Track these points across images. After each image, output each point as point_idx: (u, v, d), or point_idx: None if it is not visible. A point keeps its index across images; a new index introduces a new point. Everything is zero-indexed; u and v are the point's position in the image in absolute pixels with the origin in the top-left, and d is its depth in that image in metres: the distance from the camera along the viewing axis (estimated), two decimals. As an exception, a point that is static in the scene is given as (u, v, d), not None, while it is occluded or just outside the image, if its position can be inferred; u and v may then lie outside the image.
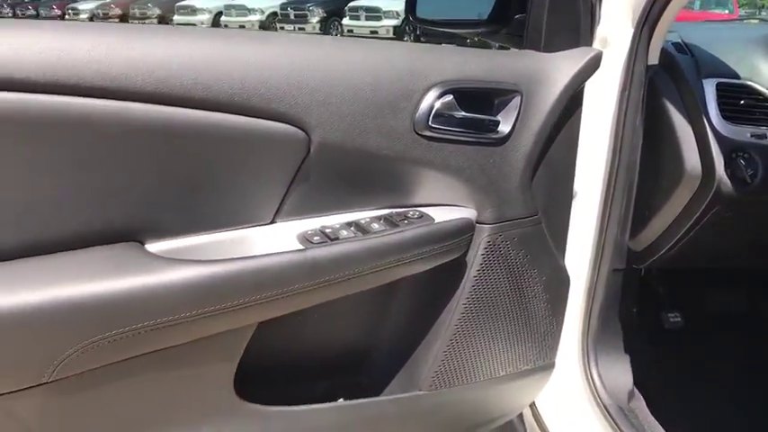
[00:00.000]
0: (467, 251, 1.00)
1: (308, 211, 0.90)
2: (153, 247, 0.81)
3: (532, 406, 1.35)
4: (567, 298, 1.17)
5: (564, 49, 1.02)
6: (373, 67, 0.88)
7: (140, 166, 0.78)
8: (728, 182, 1.07)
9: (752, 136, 1.09)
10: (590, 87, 1.18)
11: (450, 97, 0.91)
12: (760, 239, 1.26)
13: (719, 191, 1.07)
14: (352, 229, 0.89)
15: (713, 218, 1.11)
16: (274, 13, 14.98)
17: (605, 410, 1.20)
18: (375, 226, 0.89)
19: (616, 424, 1.17)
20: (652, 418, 1.26)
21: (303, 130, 0.84)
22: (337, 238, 0.86)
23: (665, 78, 1.14)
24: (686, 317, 1.51)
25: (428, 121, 0.90)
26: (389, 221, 0.91)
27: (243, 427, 0.92)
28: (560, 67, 0.99)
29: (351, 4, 13.55)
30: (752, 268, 1.46)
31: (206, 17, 15.31)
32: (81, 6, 17.44)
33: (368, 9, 12.96)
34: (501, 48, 1.25)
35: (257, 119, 0.81)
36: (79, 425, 0.81)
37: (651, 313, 1.52)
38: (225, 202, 0.84)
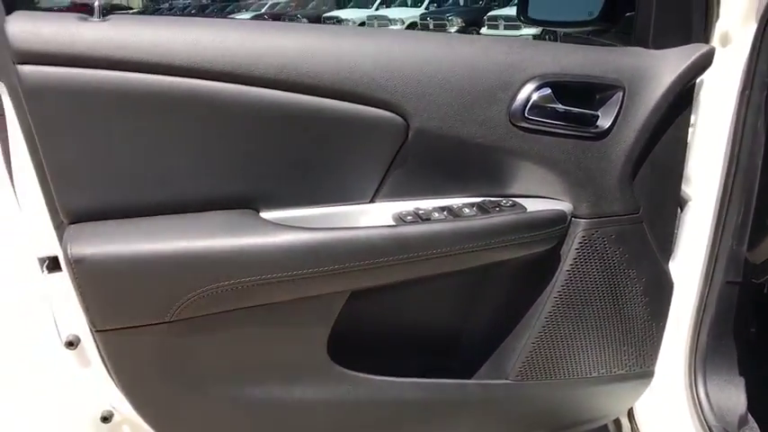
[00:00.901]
0: (561, 244, 1.01)
1: (405, 194, 0.97)
2: (266, 215, 0.92)
3: (631, 416, 1.31)
4: (669, 304, 1.13)
5: (674, 47, 1.01)
6: (471, 59, 0.93)
7: (259, 144, 0.89)
8: None
9: None
10: (708, 87, 1.14)
11: (547, 90, 0.93)
12: None
13: None
14: (444, 213, 0.95)
15: None
16: (414, 24, 15.33)
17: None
18: (466, 211, 0.94)
19: None
20: None
21: (403, 118, 0.91)
22: (429, 219, 0.92)
23: None
24: None
25: (524, 112, 0.93)
26: (482, 208, 0.96)
27: (331, 388, 1.00)
28: (667, 64, 0.98)
29: (490, 13, 13.52)
30: None
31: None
32: (238, 17, 19.00)
33: (507, 18, 12.83)
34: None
35: (362, 105, 0.89)
36: (189, 364, 0.93)
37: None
38: (331, 180, 0.94)
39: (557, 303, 1.04)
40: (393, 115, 0.91)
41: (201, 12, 20.24)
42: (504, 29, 12.90)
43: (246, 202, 0.91)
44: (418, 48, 0.93)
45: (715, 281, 1.16)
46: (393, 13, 15.87)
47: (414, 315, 1.11)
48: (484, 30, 13.48)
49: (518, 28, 12.37)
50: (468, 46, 0.97)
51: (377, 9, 16.68)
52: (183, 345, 0.90)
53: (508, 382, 1.09)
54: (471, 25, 13.99)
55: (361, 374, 1.01)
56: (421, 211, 0.94)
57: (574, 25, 1.22)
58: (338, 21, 16.38)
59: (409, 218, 0.92)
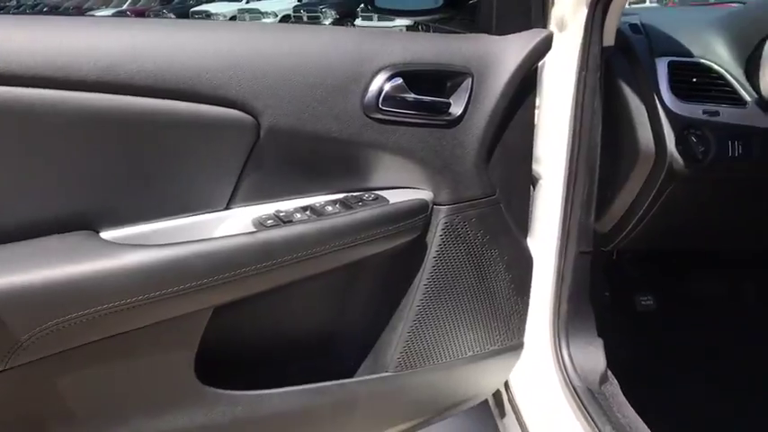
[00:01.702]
0: (425, 233, 1.03)
1: (263, 197, 0.94)
2: (108, 234, 0.84)
3: (507, 386, 1.37)
4: (531, 278, 1.19)
5: (515, 32, 1.05)
6: (320, 51, 0.92)
7: (90, 154, 0.81)
8: (680, 159, 1.08)
9: (704, 113, 1.10)
10: (548, 70, 1.20)
11: (399, 80, 0.94)
12: (718, 219, 1.26)
13: (672, 169, 1.09)
14: (306, 212, 0.93)
15: (669, 197, 1.13)
16: (287, 16, 15.11)
17: (575, 393, 1.21)
18: (329, 209, 0.93)
19: (585, 407, 1.18)
20: (623, 401, 1.27)
21: (252, 116, 0.87)
22: (291, 221, 0.90)
23: (620, 59, 1.15)
24: (659, 300, 1.52)
25: (378, 104, 0.93)
26: (344, 204, 0.95)
27: (206, 412, 0.94)
28: (510, 49, 1.02)
29: (363, 5, 13.58)
30: (726, 250, 1.47)
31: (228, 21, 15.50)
32: (98, 14, 17.77)
33: (380, 9, 12.98)
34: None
35: (206, 105, 0.84)
36: (38, 413, 0.83)
37: (624, 296, 1.53)
38: (177, 189, 0.88)
39: (427, 291, 1.06)
40: (241, 114, 0.87)
41: (54, 10, 18.67)
42: (379, 20, 13.06)
43: (83, 222, 0.83)
44: (265, 41, 0.90)
45: (569, 252, 1.23)
46: (265, 5, 15.54)
47: (287, 321, 1.08)
48: (358, 21, 13.58)
49: (392, 19, 12.59)
50: (317, 38, 0.95)
51: (248, 2, 16.24)
52: (27, 393, 0.80)
53: (388, 374, 1.10)
54: (346, 17, 14.04)
55: (237, 392, 0.97)
56: (282, 214, 0.91)
57: (420, 14, 1.24)
58: (207, 15, 15.78)
59: (270, 222, 0.90)
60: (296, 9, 15.07)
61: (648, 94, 1.11)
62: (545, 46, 1.03)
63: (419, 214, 0.99)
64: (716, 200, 1.20)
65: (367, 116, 0.94)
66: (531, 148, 1.13)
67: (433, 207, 1.02)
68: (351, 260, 0.97)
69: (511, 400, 1.36)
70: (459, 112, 0.98)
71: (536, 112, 1.19)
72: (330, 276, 1.02)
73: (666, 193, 1.12)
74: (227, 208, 0.92)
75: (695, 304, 1.61)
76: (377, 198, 0.97)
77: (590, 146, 1.18)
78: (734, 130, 1.10)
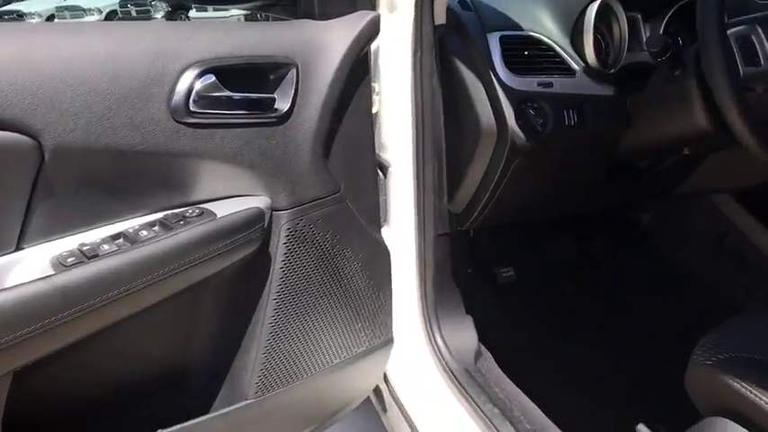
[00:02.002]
0: (267, 242, 0.93)
1: (63, 230, 0.78)
2: None
3: (386, 379, 1.33)
4: (390, 270, 1.14)
5: (340, 16, 0.97)
6: (112, 51, 0.77)
7: None
8: (521, 133, 1.07)
9: (539, 85, 1.09)
10: (383, 54, 1.14)
11: (211, 77, 0.82)
12: (562, 188, 1.29)
13: (514, 144, 1.08)
14: (117, 241, 0.78)
15: (516, 171, 1.12)
16: (114, 12, 13.96)
17: (452, 375, 1.19)
18: (144, 233, 0.79)
19: (463, 387, 1.17)
20: (500, 374, 1.27)
21: (29, 136, 0.71)
22: (97, 256, 0.75)
23: (453, 37, 1.12)
24: (518, 270, 1.55)
25: (188, 106, 0.80)
26: (164, 225, 0.82)
27: None
28: (336, 35, 0.93)
29: (192, -6, 12.90)
30: (576, 215, 1.52)
31: (35, 21, 13.96)
32: None
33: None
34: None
35: None
36: None
37: (486, 271, 1.54)
38: None
39: (279, 305, 0.96)
40: (16, 135, 0.71)
41: None
42: (214, 10, 12.47)
43: None
44: (38, 45, 0.74)
45: (427, 236, 1.21)
46: (88, 1, 14.20)
47: (121, 365, 0.93)
48: (192, 12, 12.87)
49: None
50: (107, 37, 0.80)
51: (66, -1, 14.76)
52: None
53: (249, 401, 0.99)
54: (178, 9, 13.25)
55: None
56: (86, 248, 0.76)
57: (239, 1, 1.13)
58: (19, 16, 14.13)
59: (71, 260, 0.74)
60: (122, 4, 13.93)
61: (484, 70, 1.08)
62: (373, 29, 0.96)
63: (255, 224, 0.88)
64: (558, 169, 1.22)
65: (177, 121, 0.81)
66: (373, 136, 1.06)
67: (271, 214, 0.91)
68: (179, 288, 0.84)
69: (392, 393, 1.32)
70: (287, 106, 0.88)
71: (375, 98, 1.13)
72: (163, 308, 0.89)
73: (513, 167, 1.11)
74: (17, 249, 0.76)
75: (551, 269, 1.66)
76: (202, 213, 0.85)
77: (434, 128, 1.14)
78: (567, 100, 1.11)
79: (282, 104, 0.88)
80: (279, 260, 0.94)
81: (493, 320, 1.41)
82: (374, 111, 1.13)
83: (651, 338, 1.47)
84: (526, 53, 1.11)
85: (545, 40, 1.14)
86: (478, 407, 1.13)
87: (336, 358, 1.10)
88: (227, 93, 0.83)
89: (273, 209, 0.91)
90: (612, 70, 1.18)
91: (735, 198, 1.51)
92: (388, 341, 1.20)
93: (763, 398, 0.82)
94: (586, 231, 1.74)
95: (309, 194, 0.94)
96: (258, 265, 0.93)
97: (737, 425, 0.84)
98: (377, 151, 1.17)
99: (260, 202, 0.90)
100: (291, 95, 0.89)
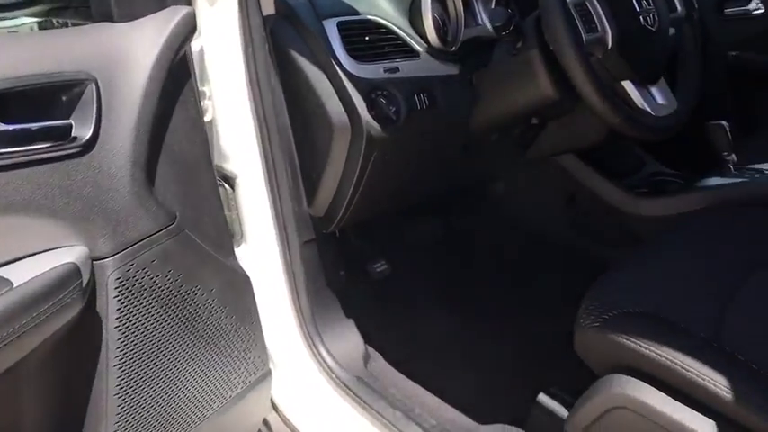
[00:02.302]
0: (93, 301, 0.76)
1: None
2: None
3: (276, 409, 1.21)
4: (253, 297, 1.02)
5: (146, 15, 0.80)
6: None
7: None
8: (376, 124, 0.99)
9: (385, 71, 1.01)
10: (209, 53, 0.99)
11: None
12: (422, 172, 1.24)
13: (371, 136, 0.99)
14: None
15: (376, 163, 1.04)
16: None
17: (344, 386, 1.12)
18: None
19: (359, 396, 1.10)
20: (393, 373, 1.22)
21: None
22: None
23: (286, 27, 1.00)
24: (391, 262, 1.49)
25: None
26: None
27: None
28: (141, 38, 0.77)
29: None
30: (436, 199, 1.48)
31: None
32: None
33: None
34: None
35: None
36: None
37: (359, 269, 1.46)
38: None
39: (123, 371, 0.80)
40: None
41: None
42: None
43: None
44: None
45: (293, 247, 1.10)
46: None
47: None
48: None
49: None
50: None
51: None
52: None
53: None
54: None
55: None
56: None
57: (14, 7, 0.92)
58: None
59: None
60: None
61: (326, 61, 0.98)
62: (187, 26, 0.81)
63: (70, 283, 0.70)
64: (417, 154, 1.16)
65: None
66: (208, 148, 0.92)
67: (92, 265, 0.74)
68: None
69: (284, 421, 1.21)
70: (89, 133, 0.71)
71: (207, 104, 0.98)
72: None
73: (372, 160, 1.03)
74: None
75: (422, 254, 1.62)
76: None
77: (280, 129, 1.02)
78: (416, 84, 1.04)
79: (82, 131, 0.71)
80: (112, 318, 0.77)
81: (375, 319, 1.34)
82: (208, 118, 0.98)
83: (531, 305, 1.48)
84: (367, 38, 1.02)
85: (384, 22, 1.06)
86: (379, 413, 1.06)
87: (209, 410, 0.96)
88: (3, 125, 0.65)
89: (93, 258, 0.75)
90: (453, 48, 1.13)
91: (579, 158, 1.55)
92: (267, 373, 1.09)
93: (653, 348, 0.84)
94: (449, 210, 1.72)
95: (137, 233, 0.78)
96: (88, 330, 0.76)
97: (633, 378, 0.85)
98: (218, 163, 1.03)
99: (73, 254, 0.72)
100: (93, 118, 0.72)
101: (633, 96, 0.97)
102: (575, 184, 1.57)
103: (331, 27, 0.99)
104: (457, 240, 1.71)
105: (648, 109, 0.98)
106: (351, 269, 1.35)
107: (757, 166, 1.39)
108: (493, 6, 1.19)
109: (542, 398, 1.04)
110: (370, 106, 0.98)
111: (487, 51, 1.13)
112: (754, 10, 1.98)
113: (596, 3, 0.98)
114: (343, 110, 0.99)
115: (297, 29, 1.00)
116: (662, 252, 1.07)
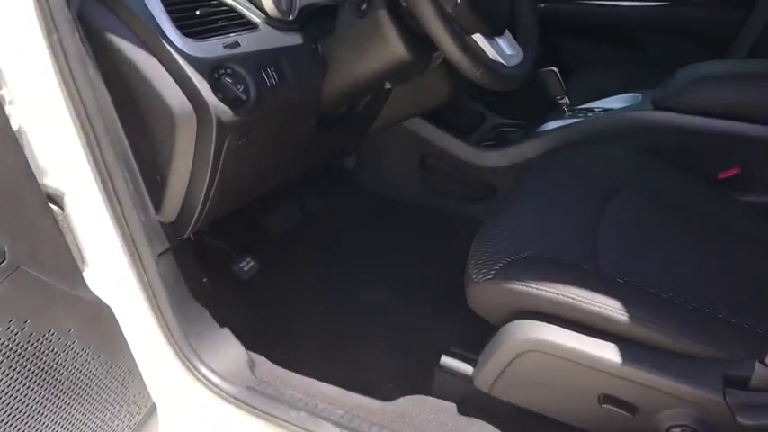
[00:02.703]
0: None
1: None
2: None
3: None
4: (118, 326, 0.87)
5: None
6: None
7: None
8: (225, 107, 0.88)
9: (225, 47, 0.90)
10: (2, 49, 0.81)
11: None
12: (279, 154, 1.15)
13: (221, 121, 0.88)
14: None
15: (230, 151, 0.93)
16: None
17: (237, 401, 1.02)
18: None
19: (254, 407, 1.01)
20: (284, 373, 1.14)
21: None
22: None
23: (97, 8, 0.84)
24: (258, 258, 1.39)
25: None
26: None
27: None
28: None
29: None
30: (295, 178, 1.39)
31: None
32: None
33: None
34: None
35: None
36: None
37: (225, 272, 1.35)
38: None
39: None
40: None
41: None
42: None
43: None
44: None
45: (146, 262, 0.96)
46: None
47: None
48: None
49: None
50: None
51: None
52: None
53: None
54: None
55: None
56: None
57: None
58: None
59: None
60: None
61: (154, 41, 0.84)
62: None
63: None
64: (272, 135, 1.07)
65: None
66: (27, 163, 0.75)
67: None
68: None
69: None
70: None
71: (8, 110, 0.81)
72: None
73: (225, 148, 0.92)
74: None
75: (285, 242, 1.54)
76: None
77: (108, 128, 0.87)
78: (261, 58, 0.95)
79: None
80: None
81: (252, 321, 1.24)
82: (15, 128, 0.80)
83: (404, 274, 1.48)
84: (198, 12, 0.90)
85: (210, -8, 0.94)
86: (282, 419, 0.99)
87: None
88: None
89: None
90: (291, 16, 1.04)
91: (426, 120, 1.56)
92: (152, 409, 0.95)
93: (546, 288, 0.86)
94: (302, 192, 1.65)
95: None
96: None
97: (534, 321, 0.87)
98: (39, 181, 0.86)
99: None
100: None
101: (485, 49, 0.97)
102: (425, 146, 1.58)
103: (153, 3, 0.85)
104: (317, 223, 1.64)
105: (501, 59, 0.98)
106: (215, 274, 1.24)
107: (587, 106, 1.50)
108: None
109: (445, 360, 1.03)
110: (215, 88, 0.87)
111: (330, 16, 1.07)
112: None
113: None
114: (184, 96, 0.87)
115: (112, 8, 0.85)
116: (525, 198, 1.10)
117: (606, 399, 0.85)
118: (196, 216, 1.01)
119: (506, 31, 1.05)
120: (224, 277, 1.32)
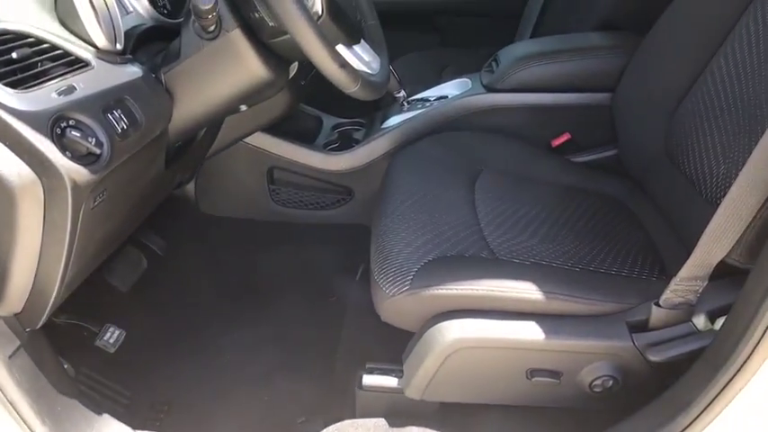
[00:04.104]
0: None
1: None
2: None
3: None
4: None
5: None
6: None
7: None
8: (78, 166, 0.74)
9: (60, 94, 0.75)
10: None
11: None
12: (133, 203, 1.02)
13: (76, 183, 0.73)
14: None
15: (88, 213, 0.80)
16: None
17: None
18: None
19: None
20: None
21: None
22: None
23: None
24: (121, 321, 1.22)
25: None
26: None
27: None
28: None
29: None
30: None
31: None
32: None
33: None
34: None
35: None
36: None
37: (89, 351, 1.17)
38: None
39: None
40: None
41: None
42: None
43: None
44: None
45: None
46: None
47: None
48: None
49: None
50: None
51: None
52: None
53: None
54: None
55: None
56: None
57: None
58: None
59: None
60: None
61: None
62: None
63: None
64: (129, 185, 0.94)
65: None
66: None
67: None
68: None
69: None
70: None
71: None
72: None
73: (82, 213, 0.78)
74: None
75: (144, 295, 1.38)
76: None
77: None
78: (104, 100, 0.80)
79: None
80: None
81: (133, 395, 1.09)
82: None
83: (284, 296, 1.41)
84: (15, 56, 0.74)
85: (30, 30, 0.78)
86: None
87: None
88: None
89: None
90: (119, 45, 0.91)
91: (268, 133, 1.48)
92: None
93: (459, 285, 0.89)
94: (140, 234, 1.47)
95: None
96: None
97: (456, 320, 0.89)
98: None
99: None
100: None
101: (350, 59, 0.94)
102: (271, 160, 1.50)
103: None
104: (164, 263, 1.48)
105: (366, 68, 0.96)
106: (78, 356, 1.07)
107: (422, 95, 1.55)
108: None
109: (367, 379, 1.00)
110: (62, 146, 0.73)
111: (164, 41, 0.95)
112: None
113: None
114: (20, 161, 0.71)
115: None
116: (400, 203, 1.09)
117: (533, 372, 0.90)
118: (53, 299, 0.85)
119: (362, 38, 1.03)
120: (89, 356, 1.14)
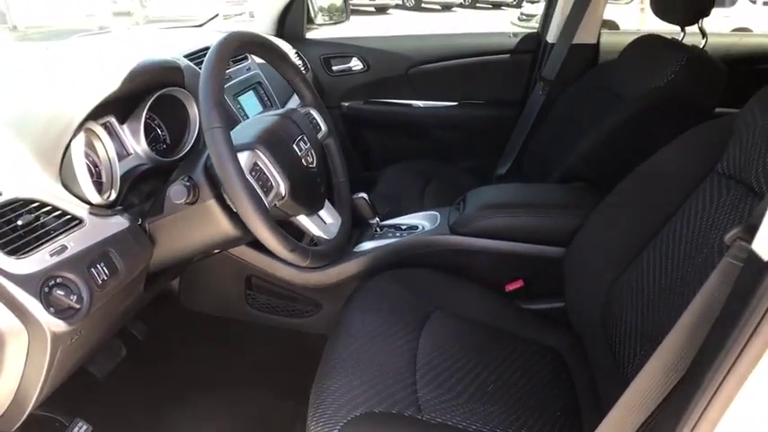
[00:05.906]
0: None
1: None
2: None
3: None
4: None
5: None
6: None
7: None
8: (58, 321, 0.86)
9: (52, 255, 0.88)
10: None
11: None
12: (116, 321, 1.13)
13: (55, 335, 0.86)
14: None
15: (65, 351, 0.92)
16: None
17: None
18: None
19: None
20: None
21: None
22: None
23: None
24: (89, 416, 1.31)
25: None
26: None
27: None
28: None
29: None
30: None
31: None
32: None
33: None
34: None
35: None
36: None
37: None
38: None
39: None
40: None
41: None
42: None
43: None
44: None
45: None
46: None
47: None
48: None
49: None
50: None
51: None
52: None
53: None
54: None
55: None
56: None
57: None
58: None
59: None
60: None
61: None
62: None
63: None
64: (104, 322, 1.05)
65: None
66: None
67: None
68: None
69: None
70: None
71: None
72: None
73: (60, 352, 0.90)
74: None
75: (118, 389, 1.47)
76: None
77: None
78: (90, 256, 0.93)
79: None
80: None
81: None
82: None
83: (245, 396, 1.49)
84: (20, 223, 0.87)
85: (33, 197, 0.91)
86: None
87: None
88: None
89: None
90: (114, 193, 1.05)
91: (248, 245, 1.61)
92: None
93: None
94: (125, 332, 1.59)
95: None
96: None
97: None
98: None
99: None
100: None
101: (309, 228, 1.06)
102: (249, 269, 1.63)
103: None
104: (148, 347, 1.59)
105: (322, 234, 1.08)
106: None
107: (394, 222, 1.68)
108: (142, 125, 1.15)
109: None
110: (47, 303, 0.85)
111: (158, 179, 1.08)
112: (354, 66, 2.39)
113: (267, 162, 1.03)
114: (11, 314, 0.84)
115: None
116: (350, 342, 1.19)
117: None
118: (30, 407, 0.96)
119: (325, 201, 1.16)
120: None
